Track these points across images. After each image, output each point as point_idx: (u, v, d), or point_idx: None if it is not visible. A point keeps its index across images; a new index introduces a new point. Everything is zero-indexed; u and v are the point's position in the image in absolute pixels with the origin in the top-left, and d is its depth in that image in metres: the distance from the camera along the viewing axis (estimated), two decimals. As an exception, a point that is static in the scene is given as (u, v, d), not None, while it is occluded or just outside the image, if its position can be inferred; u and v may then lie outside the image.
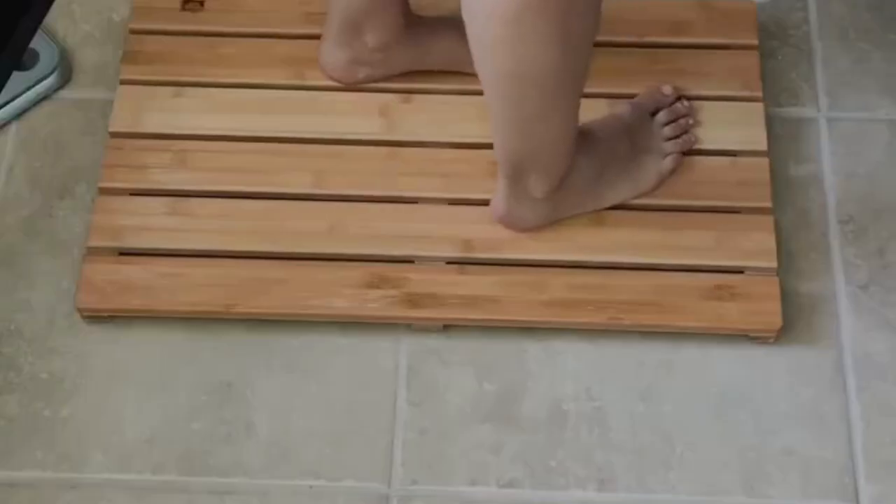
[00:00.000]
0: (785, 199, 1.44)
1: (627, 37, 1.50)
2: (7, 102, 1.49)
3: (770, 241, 1.38)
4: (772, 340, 1.36)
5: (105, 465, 1.31)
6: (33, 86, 1.50)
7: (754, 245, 1.38)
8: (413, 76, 1.46)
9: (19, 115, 1.50)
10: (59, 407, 1.34)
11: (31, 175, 1.47)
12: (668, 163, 1.39)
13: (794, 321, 1.37)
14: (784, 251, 1.40)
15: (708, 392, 1.35)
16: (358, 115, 1.45)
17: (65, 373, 1.35)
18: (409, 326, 1.37)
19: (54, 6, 1.56)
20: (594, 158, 1.35)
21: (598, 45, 1.48)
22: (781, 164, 1.47)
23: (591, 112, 1.45)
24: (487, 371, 1.36)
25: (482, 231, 1.38)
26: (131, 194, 1.41)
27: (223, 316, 1.36)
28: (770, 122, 1.47)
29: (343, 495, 1.30)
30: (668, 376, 1.35)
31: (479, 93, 1.45)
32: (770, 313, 1.35)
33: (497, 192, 1.34)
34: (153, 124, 1.45)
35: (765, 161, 1.43)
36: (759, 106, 1.46)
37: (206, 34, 1.50)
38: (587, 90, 1.45)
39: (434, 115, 1.45)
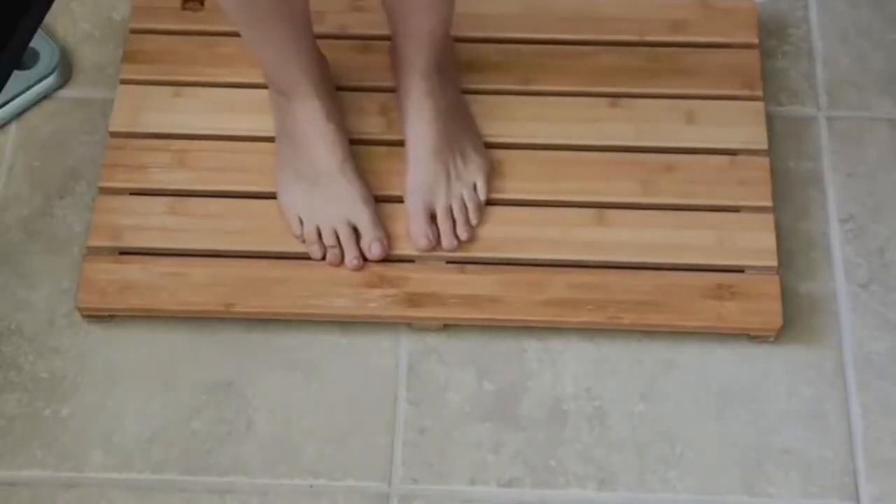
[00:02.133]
0: (785, 197, 1.44)
1: (628, 36, 1.50)
2: (7, 102, 1.49)
3: (770, 240, 1.38)
4: (772, 339, 1.36)
5: (105, 464, 1.31)
6: (33, 85, 1.50)
7: (754, 244, 1.38)
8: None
9: (19, 114, 1.50)
10: (60, 406, 1.34)
11: (31, 174, 1.47)
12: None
13: (794, 320, 1.37)
14: (784, 250, 1.40)
15: (708, 391, 1.35)
16: (357, 114, 1.44)
17: (65, 372, 1.35)
18: (410, 326, 1.37)
19: (54, 5, 1.57)
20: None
21: (598, 44, 1.50)
22: (782, 162, 1.47)
23: (592, 110, 1.45)
24: (487, 370, 1.36)
25: (482, 230, 1.38)
26: (131, 194, 1.41)
27: (223, 315, 1.36)
28: (770, 121, 1.47)
29: (343, 494, 1.30)
30: (668, 375, 1.35)
31: (479, 92, 1.47)
32: (770, 312, 1.35)
33: None
34: (153, 124, 1.45)
35: (765, 160, 1.43)
36: (760, 105, 1.46)
37: (207, 34, 1.50)
38: (587, 89, 1.47)
39: (434, 114, 1.45)
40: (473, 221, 1.38)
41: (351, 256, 1.36)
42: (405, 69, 1.37)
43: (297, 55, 1.32)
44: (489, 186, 1.39)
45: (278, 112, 1.39)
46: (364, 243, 1.36)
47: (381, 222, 1.37)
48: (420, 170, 1.37)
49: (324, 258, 1.36)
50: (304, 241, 1.37)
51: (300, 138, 1.36)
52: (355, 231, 1.36)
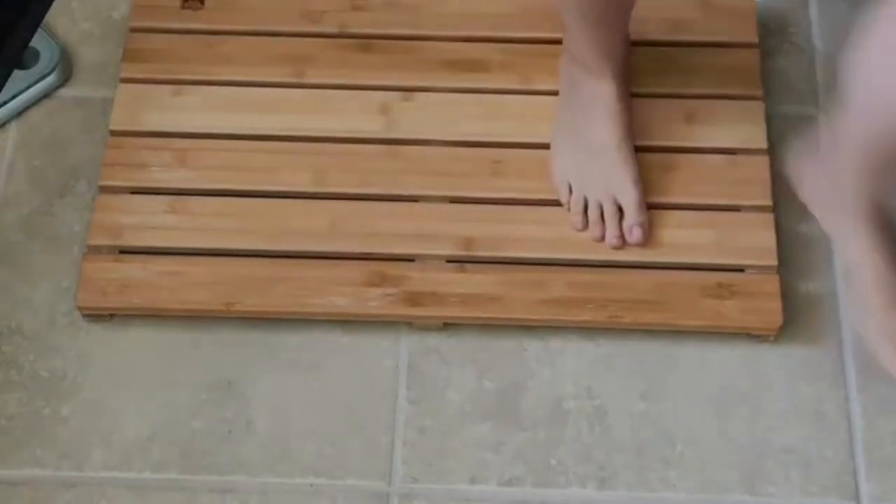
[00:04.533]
0: (785, 197, 1.44)
1: (628, 35, 1.50)
2: (7, 101, 1.49)
3: (770, 240, 1.38)
4: (772, 338, 1.36)
5: (105, 463, 1.31)
6: (33, 84, 1.50)
7: (755, 243, 1.38)
8: (413, 74, 1.46)
9: (19, 113, 1.50)
10: (60, 405, 1.34)
11: (32, 173, 1.47)
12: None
13: (794, 319, 1.37)
14: (784, 249, 1.40)
15: (708, 390, 1.35)
16: (358, 113, 1.45)
17: (65, 371, 1.35)
18: (410, 325, 1.37)
19: (54, 5, 1.56)
20: None
21: (598, 43, 1.49)
22: (781, 162, 1.47)
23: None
24: (488, 369, 1.36)
25: (483, 229, 1.39)
26: (131, 192, 1.41)
27: (223, 314, 1.36)
28: (770, 121, 1.47)
29: (343, 493, 1.30)
30: (668, 374, 1.35)
31: (481, 91, 1.47)
32: (770, 311, 1.35)
33: None
34: (153, 123, 1.45)
35: (765, 159, 1.43)
36: (759, 104, 1.46)
37: (207, 32, 1.50)
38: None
39: (434, 113, 1.45)
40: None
41: (612, 235, 1.37)
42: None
43: (612, 44, 1.35)
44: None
45: (570, 81, 1.41)
46: (626, 225, 1.37)
47: (645, 207, 1.38)
48: None
49: (582, 230, 1.38)
50: (568, 210, 1.38)
51: (587, 111, 1.38)
52: (620, 210, 1.37)
